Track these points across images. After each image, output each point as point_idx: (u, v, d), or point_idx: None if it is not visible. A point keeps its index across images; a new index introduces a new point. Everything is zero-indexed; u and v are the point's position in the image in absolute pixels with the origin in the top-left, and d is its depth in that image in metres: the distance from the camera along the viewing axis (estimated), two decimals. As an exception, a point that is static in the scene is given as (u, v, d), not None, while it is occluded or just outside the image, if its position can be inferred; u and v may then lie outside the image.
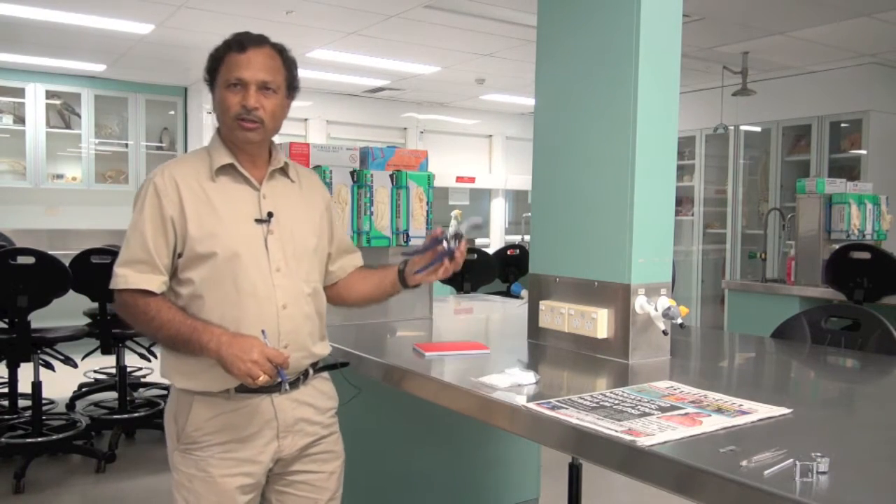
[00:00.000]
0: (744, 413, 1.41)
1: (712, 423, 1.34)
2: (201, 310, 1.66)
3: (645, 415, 1.41)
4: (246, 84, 1.67)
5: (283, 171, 1.80)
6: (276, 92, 1.70)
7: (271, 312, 1.68)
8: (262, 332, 1.63)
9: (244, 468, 1.71)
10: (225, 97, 1.68)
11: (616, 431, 1.30)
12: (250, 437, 1.71)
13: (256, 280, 1.67)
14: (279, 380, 1.61)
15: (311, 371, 1.80)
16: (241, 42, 1.69)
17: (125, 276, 1.66)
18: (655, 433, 1.28)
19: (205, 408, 1.69)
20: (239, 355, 1.55)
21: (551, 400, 1.51)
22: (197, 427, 1.70)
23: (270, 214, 1.71)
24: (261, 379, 1.55)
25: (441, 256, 1.81)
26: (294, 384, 1.75)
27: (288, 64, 1.74)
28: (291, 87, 1.76)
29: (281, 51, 1.74)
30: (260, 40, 1.71)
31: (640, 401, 1.51)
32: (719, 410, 1.43)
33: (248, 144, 1.72)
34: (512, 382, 1.67)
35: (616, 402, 1.51)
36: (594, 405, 1.48)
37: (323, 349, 1.84)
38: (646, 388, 1.63)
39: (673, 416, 1.39)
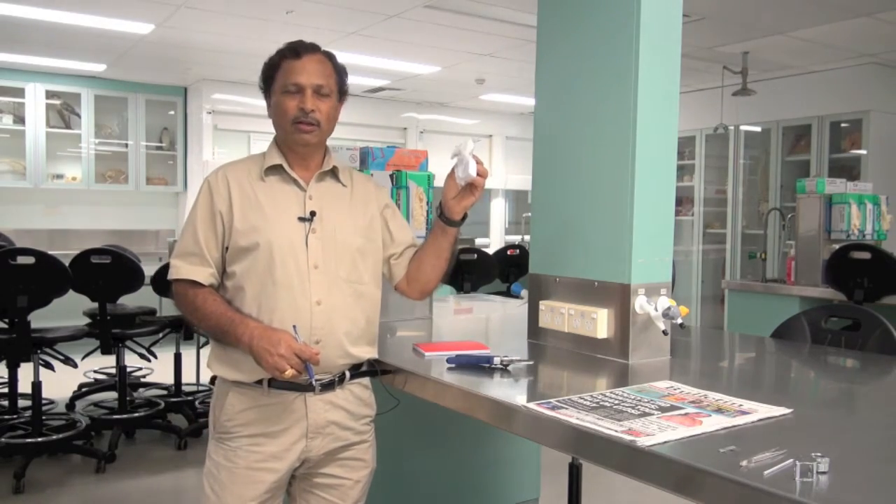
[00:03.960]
0: (744, 413, 1.41)
1: (712, 423, 1.34)
2: (243, 301, 1.74)
3: (645, 415, 1.41)
4: (302, 88, 1.75)
5: (334, 174, 1.86)
6: (329, 96, 1.78)
7: (305, 307, 1.73)
8: (294, 327, 1.68)
9: (269, 463, 1.74)
10: (282, 102, 1.76)
11: (616, 431, 1.30)
12: (279, 433, 1.75)
13: (293, 274, 1.73)
14: (308, 376, 1.64)
15: (347, 374, 1.82)
16: (296, 49, 1.77)
17: (177, 268, 1.76)
18: (655, 433, 1.28)
19: (239, 398, 1.76)
20: (267, 348, 1.61)
21: (551, 400, 1.51)
22: (229, 417, 1.76)
23: (313, 213, 1.77)
24: (287, 373, 1.60)
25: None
26: (329, 386, 1.77)
27: (338, 69, 1.83)
28: (341, 91, 1.85)
29: (331, 57, 1.82)
30: (313, 47, 1.79)
31: (640, 401, 1.51)
32: (719, 410, 1.43)
33: (305, 147, 1.80)
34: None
35: (616, 402, 1.51)
36: (594, 405, 1.48)
37: (365, 353, 1.85)
38: (646, 388, 1.63)
39: (673, 416, 1.39)
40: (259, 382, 1.74)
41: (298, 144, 1.79)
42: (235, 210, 1.75)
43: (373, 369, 1.89)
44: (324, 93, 1.77)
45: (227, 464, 1.75)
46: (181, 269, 1.76)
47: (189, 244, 1.77)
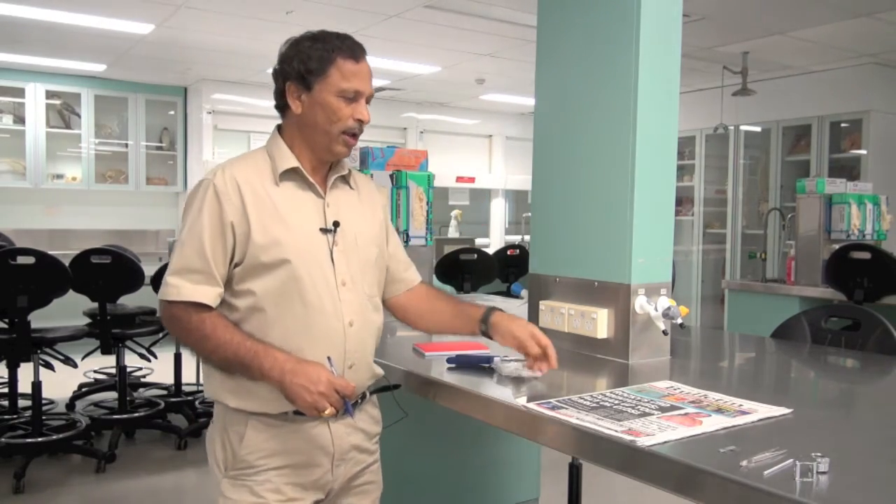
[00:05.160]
0: (744, 413, 1.41)
1: (712, 423, 1.34)
2: (262, 325, 1.53)
3: (645, 415, 1.41)
4: (361, 96, 1.58)
5: (345, 178, 1.70)
6: (368, 104, 1.64)
7: (338, 330, 1.57)
8: (329, 359, 1.51)
9: (302, 495, 1.58)
10: (337, 106, 1.56)
11: (616, 431, 1.30)
12: (306, 465, 1.58)
13: (323, 294, 1.55)
14: (346, 412, 1.52)
15: (367, 394, 1.68)
16: (353, 49, 1.58)
17: (178, 287, 1.51)
18: (655, 433, 1.28)
19: (260, 430, 1.55)
20: (305, 385, 1.44)
21: (551, 400, 1.51)
22: (252, 450, 1.55)
23: (336, 224, 1.60)
24: (328, 412, 1.45)
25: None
26: (353, 407, 1.60)
27: None
28: None
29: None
30: (364, 49, 1.61)
31: (640, 401, 1.51)
32: (719, 410, 1.43)
33: (338, 157, 1.63)
34: (515, 370, 1.73)
35: (616, 402, 1.51)
36: (594, 405, 1.48)
37: (378, 367, 1.74)
38: (646, 388, 1.63)
39: (673, 416, 1.39)
40: (284, 412, 1.55)
41: (336, 155, 1.61)
42: (252, 220, 1.52)
43: (386, 385, 1.75)
44: (369, 101, 1.62)
45: (255, 500, 1.55)
46: (183, 290, 1.51)
47: (192, 259, 1.52)
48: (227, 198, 1.53)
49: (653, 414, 1.41)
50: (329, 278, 1.57)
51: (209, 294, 1.52)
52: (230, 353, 1.49)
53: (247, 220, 1.52)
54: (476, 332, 1.76)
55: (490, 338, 1.76)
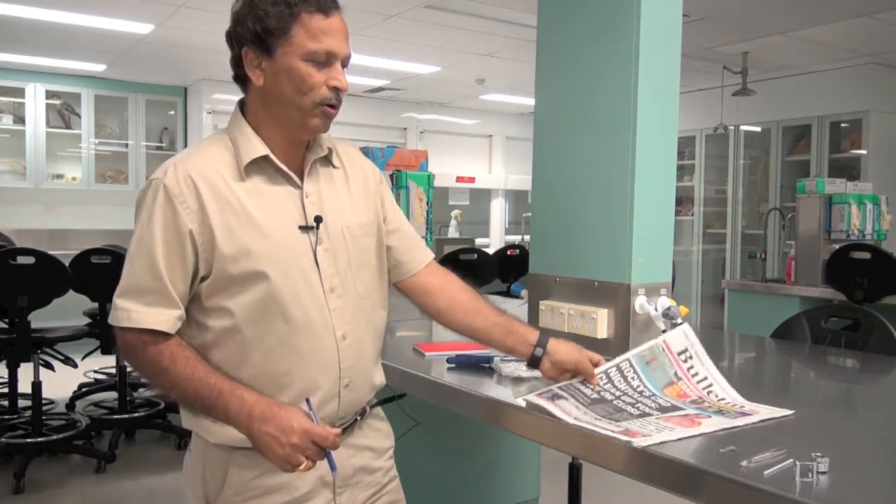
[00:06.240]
0: (745, 415, 1.41)
1: (711, 425, 1.34)
2: (240, 348, 1.32)
3: (644, 415, 1.40)
4: (335, 59, 1.32)
5: (326, 158, 1.44)
6: (346, 67, 1.36)
7: (329, 346, 1.36)
8: (307, 401, 1.27)
9: None
10: (308, 73, 1.30)
11: (612, 432, 1.30)
12: (303, 500, 1.37)
13: (310, 307, 1.33)
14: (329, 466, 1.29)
15: (367, 409, 1.47)
16: (322, 1, 1.31)
17: (128, 312, 1.29)
18: (652, 434, 1.28)
19: (246, 465, 1.34)
20: (275, 436, 1.21)
21: (552, 387, 1.51)
22: (238, 490, 1.34)
23: (319, 219, 1.36)
24: (303, 466, 1.23)
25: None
26: (348, 428, 1.41)
27: None
28: None
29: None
30: (336, 1, 1.34)
31: (642, 394, 1.49)
32: (720, 412, 1.42)
33: (313, 134, 1.39)
34: (515, 370, 1.73)
35: (618, 394, 1.49)
36: (595, 397, 1.47)
37: (381, 376, 1.53)
38: (657, 348, 1.56)
39: (672, 417, 1.39)
40: None
41: (313, 131, 1.36)
42: (216, 226, 1.29)
43: (390, 396, 1.57)
44: (346, 65, 1.35)
45: None
46: (135, 315, 1.28)
47: (144, 278, 1.29)
48: (181, 201, 1.29)
49: (652, 414, 1.41)
50: (314, 286, 1.35)
51: (165, 319, 1.29)
52: (190, 392, 1.27)
53: (209, 226, 1.29)
54: (525, 353, 1.53)
55: (536, 365, 1.53)
